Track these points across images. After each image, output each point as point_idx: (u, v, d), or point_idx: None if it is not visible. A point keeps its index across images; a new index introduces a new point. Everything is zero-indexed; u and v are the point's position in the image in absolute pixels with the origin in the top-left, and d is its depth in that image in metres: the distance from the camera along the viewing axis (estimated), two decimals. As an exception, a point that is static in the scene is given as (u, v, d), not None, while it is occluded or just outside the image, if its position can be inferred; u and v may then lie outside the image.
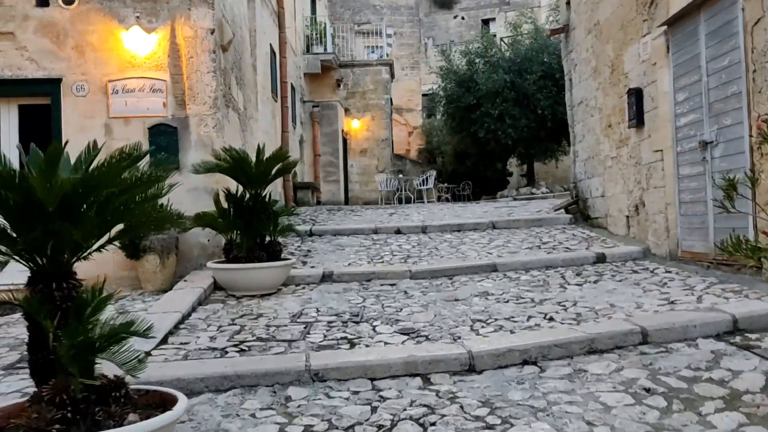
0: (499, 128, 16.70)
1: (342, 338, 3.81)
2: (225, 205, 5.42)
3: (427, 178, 18.05)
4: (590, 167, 7.53)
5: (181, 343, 3.89)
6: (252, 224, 5.30)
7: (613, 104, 6.57)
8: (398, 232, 8.11)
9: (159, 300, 5.14)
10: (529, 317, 4.04)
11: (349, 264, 6.31)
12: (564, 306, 4.26)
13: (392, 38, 24.32)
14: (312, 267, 6.21)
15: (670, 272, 5.05)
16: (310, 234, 8.14)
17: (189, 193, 6.26)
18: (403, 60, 29.50)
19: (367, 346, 3.64)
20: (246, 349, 3.67)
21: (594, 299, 4.37)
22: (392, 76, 20.28)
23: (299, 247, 7.24)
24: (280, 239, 5.71)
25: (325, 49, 18.47)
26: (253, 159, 5.48)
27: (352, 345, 3.65)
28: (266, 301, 5.04)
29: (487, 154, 19.07)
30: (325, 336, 3.88)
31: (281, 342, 3.78)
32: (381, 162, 19.22)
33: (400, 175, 18.80)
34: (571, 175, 8.43)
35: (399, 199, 17.92)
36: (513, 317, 4.07)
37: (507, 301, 4.55)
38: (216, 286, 5.54)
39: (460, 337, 3.69)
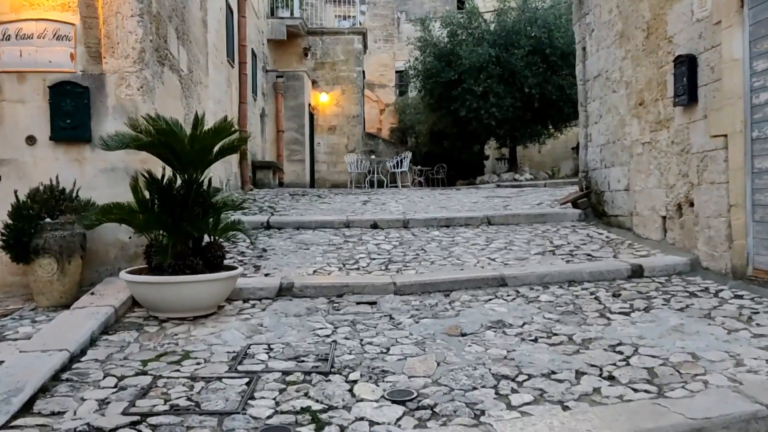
0: (482, 107, 15.49)
1: (303, 410, 2.53)
2: (147, 194, 4.06)
3: (401, 160, 16.79)
4: (609, 154, 6.36)
5: (52, 413, 2.56)
6: (183, 221, 3.95)
7: (648, 77, 5.37)
8: (375, 226, 6.83)
9: (51, 322, 3.78)
10: (578, 373, 2.82)
11: (316, 271, 5.02)
12: (621, 352, 3.06)
13: (366, 6, 22.83)
14: (267, 275, 4.90)
15: (741, 297, 3.90)
16: (268, 226, 6.80)
17: (105, 175, 4.88)
18: (376, 32, 28.04)
19: (342, 429, 2.37)
20: None
21: (659, 342, 3.18)
22: (365, 47, 18.84)
23: (252, 245, 5.91)
24: (225, 241, 4.37)
25: (292, 14, 16.93)
26: (189, 132, 4.12)
27: (319, 428, 2.38)
28: (200, 327, 3.72)
29: (468, 135, 17.86)
30: (276, 405, 2.60)
31: (208, 417, 2.48)
32: (351, 141, 17.86)
33: (372, 156, 17.48)
34: (580, 163, 7.25)
35: (370, 182, 16.63)
36: (553, 372, 2.85)
37: (535, 340, 3.33)
38: (135, 302, 4.20)
39: (483, 412, 2.45)
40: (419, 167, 20.10)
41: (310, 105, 16.93)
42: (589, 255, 5.24)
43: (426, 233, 6.52)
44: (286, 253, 5.61)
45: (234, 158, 10.73)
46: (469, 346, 3.29)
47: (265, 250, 5.75)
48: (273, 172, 13.76)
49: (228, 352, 3.27)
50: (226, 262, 4.71)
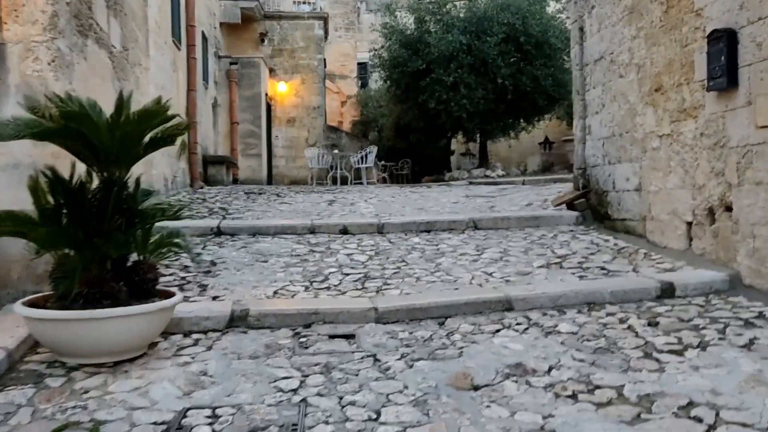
0: (452, 99, 14.75)
1: None
2: (51, 198, 3.11)
3: (366, 155, 15.93)
4: (615, 149, 5.64)
5: None
6: (99, 235, 3.02)
7: (669, 57, 4.65)
8: (345, 232, 5.97)
9: None
10: (654, 457, 2.04)
11: (276, 292, 4.13)
12: (699, 419, 2.29)
13: (327, -11, 21.88)
14: (215, 297, 3.99)
15: (812, 327, 3.20)
16: (219, 233, 5.87)
17: (5, 173, 3.89)
18: (336, 20, 27.09)
19: None
20: None
21: (743, 399, 2.42)
22: (326, 33, 17.89)
23: (199, 256, 4.98)
24: (159, 259, 3.43)
25: (247, -5, 15.88)
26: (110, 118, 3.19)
27: None
28: (121, 379, 2.81)
29: (436, 129, 17.13)
30: None
31: None
32: (312, 134, 16.92)
33: (335, 151, 16.58)
34: (576, 158, 6.53)
35: (333, 178, 15.74)
36: (618, 456, 2.05)
37: (574, 397, 2.54)
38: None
39: None
40: (383, 162, 19.32)
41: (267, 95, 15.92)
42: (603, 268, 4.50)
43: (405, 240, 5.69)
44: (240, 268, 4.70)
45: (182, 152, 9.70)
46: (488, 407, 2.47)
47: (214, 264, 4.82)
48: (226, 168, 12.74)
49: (155, 424, 2.37)
50: (163, 279, 3.82)
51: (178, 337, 3.41)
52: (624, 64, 5.39)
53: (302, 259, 4.98)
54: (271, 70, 16.46)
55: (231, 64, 14.54)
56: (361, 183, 15.69)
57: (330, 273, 4.58)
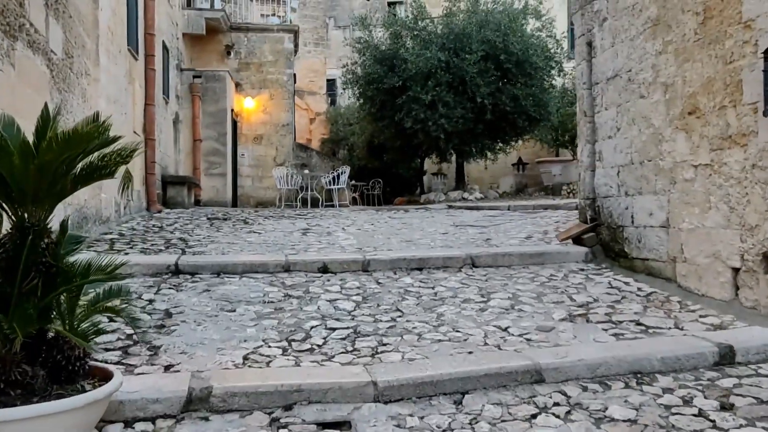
0: (430, 117, 14.17)
1: None
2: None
3: (338, 176, 15.21)
4: (633, 178, 5.03)
5: None
6: (3, 303, 2.21)
7: (707, 75, 4.06)
8: (325, 270, 5.21)
9: None
10: None
11: (247, 357, 3.34)
12: None
13: (297, 1, 21.25)
14: (169, 366, 3.18)
15: None
16: (176, 271, 5.04)
17: None
18: (305, 35, 26.47)
19: None
20: None
21: None
22: (296, 47, 17.19)
23: (151, 304, 4.17)
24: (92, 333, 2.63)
25: (212, 5, 15.13)
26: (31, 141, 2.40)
27: None
28: None
29: (412, 149, 16.54)
30: None
31: None
32: (280, 153, 16.13)
33: (305, 171, 15.83)
34: (582, 187, 5.91)
35: (303, 200, 14.95)
36: None
37: None
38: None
39: None
40: (353, 182, 18.63)
41: (233, 111, 15.10)
42: (638, 323, 3.83)
43: (395, 281, 4.96)
44: (202, 321, 3.90)
45: (137, 172, 8.83)
46: None
47: (169, 315, 4.01)
48: (188, 189, 11.86)
49: None
50: (103, 339, 3.04)
51: (117, 428, 2.60)
52: (646, 83, 4.79)
53: (277, 308, 4.20)
54: (238, 85, 15.66)
55: (194, 77, 13.71)
56: (332, 205, 14.95)
57: (312, 328, 3.81)
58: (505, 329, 3.78)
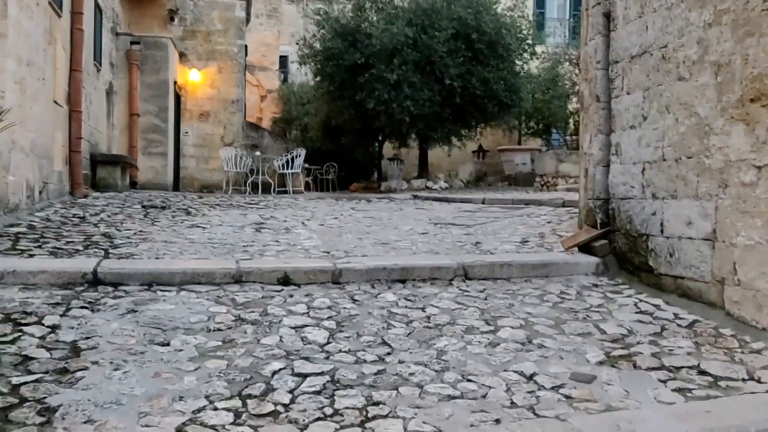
0: (395, 99, 13.22)
1: None
2: None
3: (292, 159, 14.14)
4: (665, 178, 4.23)
5: None
6: None
7: (783, 54, 3.25)
8: (286, 281, 4.24)
9: None
10: None
11: (186, 425, 2.36)
12: None
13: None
14: (63, 448, 2.18)
15: None
16: (94, 282, 3.99)
17: None
18: (258, 5, 25.07)
19: None
20: None
21: None
22: (248, 16, 15.93)
23: (54, 332, 3.13)
24: None
25: (155, -36, 13.74)
26: None
27: None
28: None
29: (373, 132, 15.58)
30: None
31: None
32: (229, 132, 14.93)
33: (257, 153, 14.67)
34: (592, 185, 5.08)
35: (253, 185, 13.83)
36: None
37: None
38: None
39: None
40: (306, 165, 17.58)
41: (176, 83, 13.81)
42: (699, 369, 3.01)
43: (374, 297, 4.03)
44: (122, 363, 2.88)
45: (57, 149, 7.62)
46: None
47: (77, 351, 2.98)
48: (122, 170, 10.61)
49: None
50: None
51: None
52: (689, 61, 3.98)
53: (226, 339, 3.22)
54: (182, 55, 14.35)
55: (132, 43, 12.38)
56: (285, 191, 13.91)
57: (274, 374, 2.85)
58: (531, 377, 2.91)
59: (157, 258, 4.58)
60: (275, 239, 5.54)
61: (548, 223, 6.41)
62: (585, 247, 4.94)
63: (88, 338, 3.13)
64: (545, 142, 15.18)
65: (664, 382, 2.87)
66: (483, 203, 9.67)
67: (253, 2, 20.51)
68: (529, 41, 14.73)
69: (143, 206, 7.65)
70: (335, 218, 7.37)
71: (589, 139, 5.21)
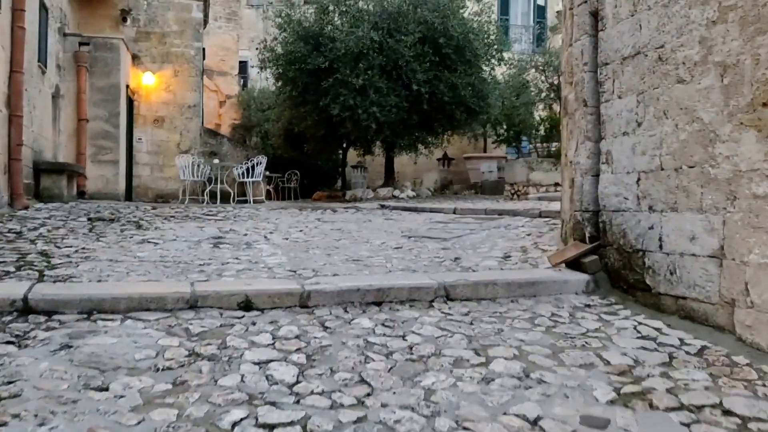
0: (360, 104, 12.83)
1: None
2: None
3: (253, 167, 13.62)
4: (664, 189, 3.92)
5: None
6: None
7: (801, 53, 2.96)
8: (248, 306, 3.79)
9: None
10: None
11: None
12: None
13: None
14: None
15: None
16: (25, 310, 3.48)
17: None
18: (216, 8, 24.50)
19: None
20: None
21: None
22: (206, 18, 15.38)
23: (-35, 380, 2.63)
24: None
25: (106, -39, 13.11)
26: None
27: None
28: None
29: (337, 139, 15.17)
30: None
31: None
32: (185, 138, 14.33)
33: (215, 161, 14.10)
34: (580, 196, 4.76)
35: (212, 194, 13.26)
36: None
37: None
38: None
39: None
40: (267, 173, 17.09)
41: (128, 87, 13.17)
42: (723, 409, 2.68)
43: (347, 324, 3.62)
44: (48, 416, 2.40)
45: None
46: None
47: (-7, 401, 2.48)
48: (68, 179, 9.95)
49: None
50: None
51: None
52: (689, 62, 3.68)
53: (176, 382, 2.76)
54: (135, 57, 13.70)
55: (81, 44, 11.72)
56: (246, 201, 13.37)
57: (234, 425, 2.40)
58: (536, 422, 2.53)
59: (99, 281, 4.07)
60: (235, 256, 5.07)
61: (528, 235, 6.09)
62: (574, 263, 4.61)
63: (10, 383, 2.63)
64: (515, 149, 14.98)
65: (688, 425, 2.53)
66: (455, 213, 9.34)
67: (212, 5, 19.94)
68: (497, 47, 14.52)
69: (89, 219, 7.08)
70: (300, 231, 6.93)
71: (575, 146, 4.90)
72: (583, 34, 4.74)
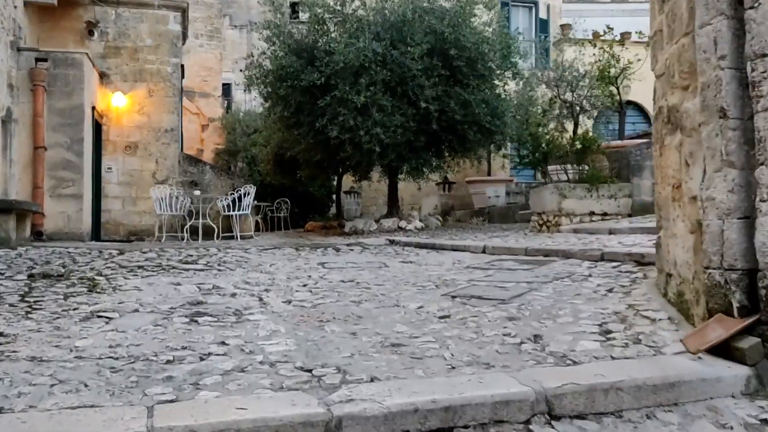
0: (362, 126, 11.47)
1: None
2: None
3: (239, 198, 12.18)
4: None
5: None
6: None
7: None
8: (242, 455, 2.33)
9: None
10: None
11: None
12: None
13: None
14: None
15: None
16: None
17: None
18: (197, 24, 23.25)
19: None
20: None
21: None
22: (185, 32, 14.05)
23: None
24: None
25: (68, -33, 11.78)
26: None
27: None
28: None
29: (335, 164, 13.81)
30: None
31: None
32: (162, 166, 12.89)
33: (196, 192, 12.64)
34: (714, 244, 3.36)
35: (193, 229, 11.79)
36: None
37: None
38: None
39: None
40: (255, 202, 15.64)
41: (95, 109, 11.74)
42: None
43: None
44: None
45: None
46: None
47: None
48: (18, 218, 8.46)
49: None
50: None
51: None
52: None
53: None
54: (103, 75, 12.31)
55: (38, 60, 10.31)
56: (232, 236, 11.91)
57: None
58: None
59: (10, 392, 2.60)
60: (221, 340, 3.61)
61: (610, 292, 4.69)
62: (722, 349, 3.20)
63: None
64: (543, 174, 13.67)
65: None
66: (485, 252, 7.94)
67: (192, 21, 18.64)
68: (512, 59, 13.27)
69: (30, 275, 5.60)
70: (304, 285, 5.49)
71: (703, 175, 3.52)
72: (717, 16, 3.39)
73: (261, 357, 3.27)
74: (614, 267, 5.76)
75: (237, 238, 11.97)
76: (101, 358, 3.18)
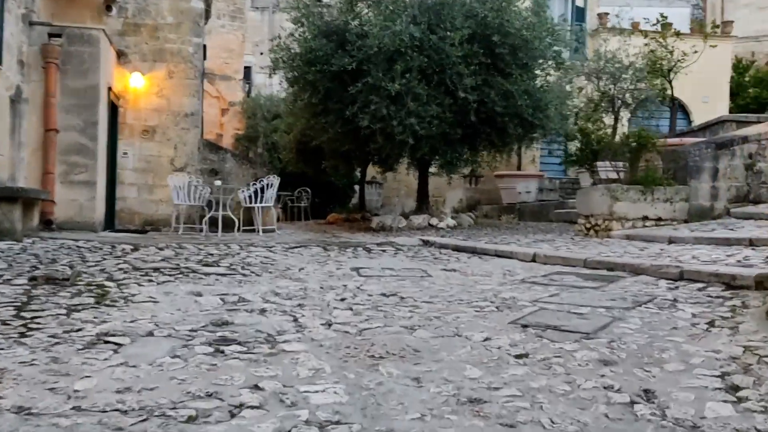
0: (395, 115, 10.76)
1: None
2: None
3: (262, 189, 11.56)
4: None
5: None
6: None
7: None
8: None
9: None
10: None
11: None
12: None
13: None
14: None
15: None
16: None
17: None
18: (219, 5, 22.59)
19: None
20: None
21: None
22: (208, 9, 13.39)
23: None
24: None
25: (87, -64, 11.13)
26: None
27: None
28: None
29: (365, 155, 13.13)
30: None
31: None
32: (181, 153, 12.29)
33: (217, 181, 12.03)
34: None
35: (212, 222, 11.20)
36: None
37: None
38: None
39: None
40: (276, 191, 15.00)
41: (111, 90, 11.14)
42: None
43: None
44: None
45: None
46: None
47: None
48: (26, 207, 7.88)
49: None
50: None
51: None
52: None
53: None
54: (121, 54, 11.70)
55: (51, 36, 9.70)
56: (254, 230, 11.31)
57: None
58: None
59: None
60: (253, 382, 2.95)
61: (712, 326, 3.97)
62: None
63: None
64: (591, 172, 12.89)
65: None
66: (535, 261, 7.23)
67: (215, 1, 17.97)
68: (557, 48, 12.47)
69: (32, 278, 4.99)
70: (342, 300, 4.84)
71: None
72: None
73: (306, 413, 2.60)
74: (699, 290, 5.03)
75: (258, 231, 11.35)
76: (105, 411, 2.52)
